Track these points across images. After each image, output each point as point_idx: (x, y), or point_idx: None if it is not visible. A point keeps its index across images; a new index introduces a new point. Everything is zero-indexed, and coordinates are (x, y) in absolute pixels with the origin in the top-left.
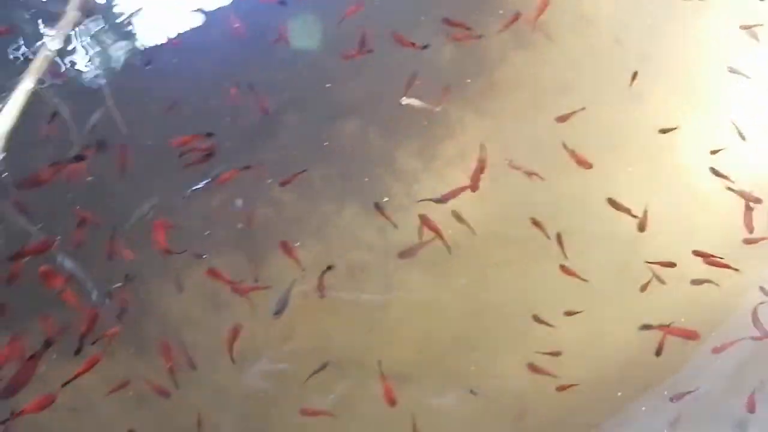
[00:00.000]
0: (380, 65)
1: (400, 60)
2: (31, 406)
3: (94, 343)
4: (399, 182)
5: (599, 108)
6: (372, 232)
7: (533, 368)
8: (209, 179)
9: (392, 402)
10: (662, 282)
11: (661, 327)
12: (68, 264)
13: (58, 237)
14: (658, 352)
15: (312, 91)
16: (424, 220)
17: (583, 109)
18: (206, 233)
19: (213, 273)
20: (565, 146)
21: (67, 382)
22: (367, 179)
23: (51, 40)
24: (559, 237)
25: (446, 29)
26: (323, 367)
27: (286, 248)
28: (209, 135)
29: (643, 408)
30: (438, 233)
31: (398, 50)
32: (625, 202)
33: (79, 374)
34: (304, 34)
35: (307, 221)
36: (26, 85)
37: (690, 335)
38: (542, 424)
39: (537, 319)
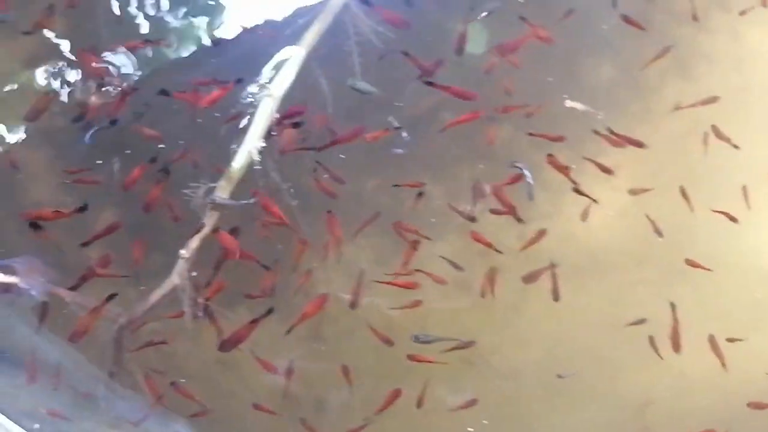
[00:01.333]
0: (538, 76)
1: (558, 73)
2: (310, 308)
3: None
4: (545, 192)
5: (750, 146)
6: (511, 237)
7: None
8: None
9: None
10: None
11: None
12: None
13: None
14: None
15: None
16: (551, 160)
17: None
18: None
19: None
20: None
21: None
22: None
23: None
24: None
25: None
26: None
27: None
28: (397, 128)
29: None
30: (566, 174)
31: (557, 62)
32: None
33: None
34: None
35: (451, 217)
36: (300, 53)
37: None
38: None
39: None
